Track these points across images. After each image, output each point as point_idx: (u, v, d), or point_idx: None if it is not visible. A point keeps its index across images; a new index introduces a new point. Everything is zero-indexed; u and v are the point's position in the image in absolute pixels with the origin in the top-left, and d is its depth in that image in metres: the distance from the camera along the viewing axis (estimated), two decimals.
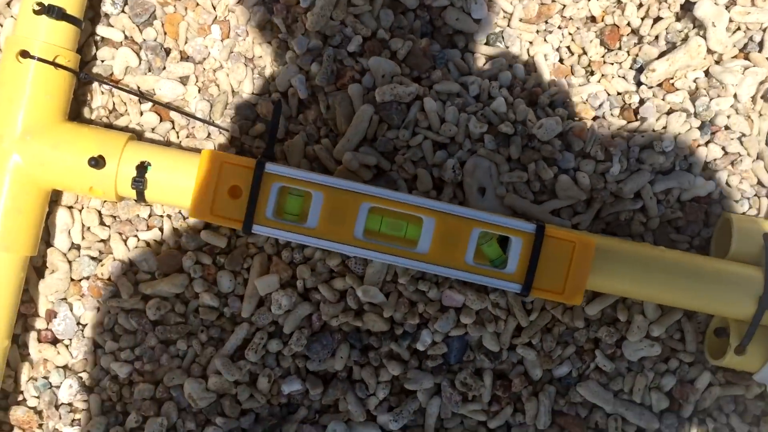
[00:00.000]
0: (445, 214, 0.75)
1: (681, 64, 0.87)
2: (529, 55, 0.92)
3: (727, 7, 0.88)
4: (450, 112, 0.85)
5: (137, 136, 0.86)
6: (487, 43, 0.91)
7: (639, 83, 0.91)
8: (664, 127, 0.88)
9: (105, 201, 0.87)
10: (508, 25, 0.92)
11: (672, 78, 0.89)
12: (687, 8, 0.90)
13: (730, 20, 0.88)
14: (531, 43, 0.93)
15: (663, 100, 0.90)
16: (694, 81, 0.89)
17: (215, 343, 0.88)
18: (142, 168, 0.77)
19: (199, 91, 0.88)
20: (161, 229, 0.87)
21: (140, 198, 0.78)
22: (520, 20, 0.92)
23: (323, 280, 0.87)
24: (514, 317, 0.87)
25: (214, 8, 0.88)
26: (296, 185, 0.75)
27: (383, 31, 0.87)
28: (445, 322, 0.86)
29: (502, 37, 0.92)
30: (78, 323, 0.88)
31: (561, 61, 0.94)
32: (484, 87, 0.87)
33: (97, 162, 0.75)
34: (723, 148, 0.88)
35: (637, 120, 0.89)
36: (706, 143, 0.89)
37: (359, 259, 0.86)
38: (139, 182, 0.76)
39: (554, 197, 0.86)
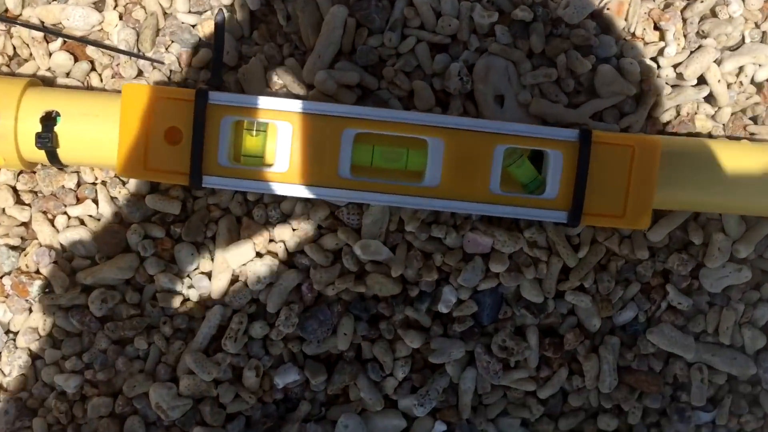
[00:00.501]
0: (456, 130, 0.61)
1: None
2: None
3: None
4: (447, 2, 0.70)
5: (49, 84, 0.72)
6: None
7: None
8: None
9: (19, 173, 0.73)
10: None
11: None
12: None
13: None
14: None
15: None
16: None
17: (183, 336, 0.75)
18: (49, 120, 0.63)
19: (120, 17, 0.73)
20: (95, 201, 0.73)
21: (53, 160, 0.64)
22: None
23: (310, 240, 0.73)
24: (559, 256, 0.73)
25: None
26: (254, 117, 0.61)
27: None
28: (472, 274, 0.72)
29: None
30: (7, 331, 0.75)
31: None
32: None
33: None
34: None
35: None
36: None
37: (352, 207, 0.72)
38: (46, 139, 0.61)
39: (595, 96, 0.71)
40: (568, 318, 0.76)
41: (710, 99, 0.74)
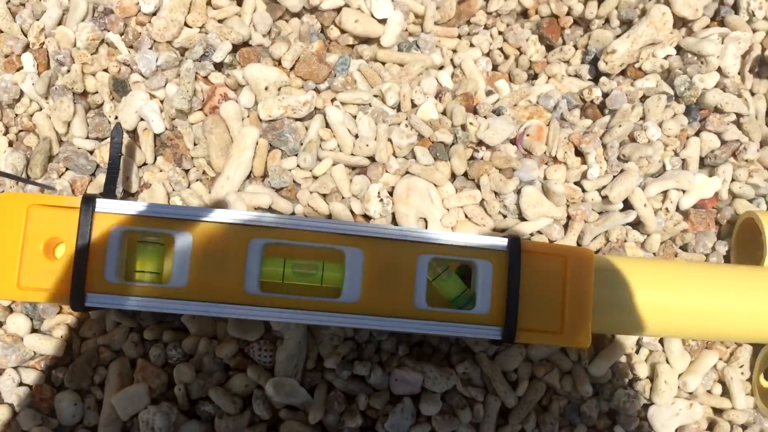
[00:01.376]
0: (376, 239, 0.56)
1: (646, 40, 0.76)
2: (453, 64, 0.80)
3: None
4: (364, 124, 0.69)
5: None
6: (400, 51, 0.79)
7: (597, 76, 0.79)
8: (642, 118, 0.75)
9: None
10: (422, 30, 0.80)
11: (637, 61, 0.78)
12: None
13: None
14: (454, 50, 0.81)
15: (632, 87, 0.78)
16: (666, 59, 0.78)
17: None
18: None
19: (10, 144, 0.69)
20: None
21: None
22: (436, 23, 0.80)
23: (216, 383, 0.66)
24: (495, 395, 0.67)
25: (25, 33, 0.72)
26: (148, 226, 0.55)
27: (260, 36, 0.73)
28: (400, 418, 0.65)
29: (417, 45, 0.79)
30: None
31: (495, 67, 0.82)
32: (405, 94, 0.73)
33: None
34: (719, 136, 0.75)
35: (606, 115, 0.77)
36: (697, 132, 0.76)
37: (265, 344, 0.65)
38: None
39: (522, 219, 0.70)
40: None
41: (639, 227, 0.73)
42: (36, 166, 0.68)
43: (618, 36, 0.78)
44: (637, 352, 0.71)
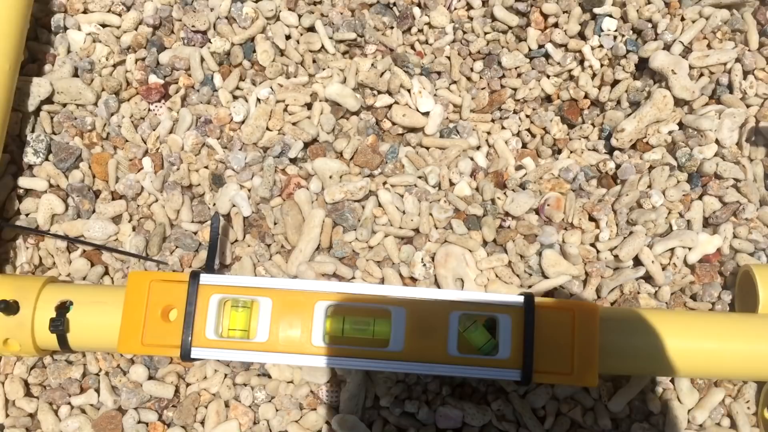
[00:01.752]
0: (416, 300, 0.69)
1: (650, 119, 0.87)
2: (488, 144, 0.93)
3: (683, 56, 0.90)
4: (409, 202, 0.83)
5: None
6: (441, 137, 0.93)
7: (612, 150, 0.91)
8: (649, 186, 0.86)
9: (32, 367, 0.81)
10: (461, 118, 0.94)
11: (645, 137, 0.89)
12: (642, 66, 0.92)
13: (691, 67, 0.89)
14: (488, 133, 0.94)
15: (641, 159, 0.89)
16: (669, 134, 0.88)
17: None
18: (63, 308, 0.72)
19: (133, 229, 0.86)
20: (97, 390, 0.80)
21: (63, 345, 0.72)
22: (472, 111, 0.94)
23: (292, 420, 0.79)
24: (526, 429, 0.78)
25: (144, 141, 0.89)
26: (238, 294, 0.70)
27: (325, 134, 0.88)
28: None
29: (457, 131, 0.93)
30: None
31: (524, 145, 0.94)
32: (444, 175, 0.86)
33: (8, 306, 0.70)
34: (720, 199, 0.85)
35: (617, 185, 0.88)
36: (700, 196, 0.86)
37: (331, 386, 0.79)
38: (58, 323, 0.70)
39: (545, 277, 0.82)
40: None
41: (649, 280, 0.83)
42: (153, 246, 0.84)
43: (627, 116, 0.89)
44: (652, 390, 0.80)
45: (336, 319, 0.71)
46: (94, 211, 0.86)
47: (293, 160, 0.87)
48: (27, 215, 0.86)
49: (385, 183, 0.86)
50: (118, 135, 0.89)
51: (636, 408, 0.80)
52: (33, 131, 0.88)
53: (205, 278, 0.70)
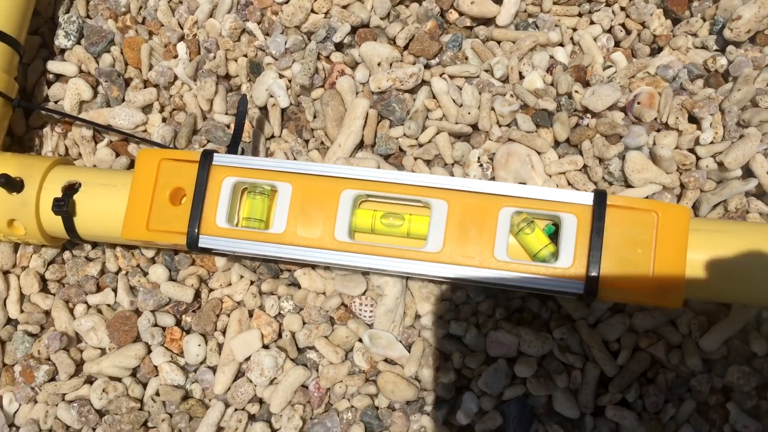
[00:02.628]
0: (460, 192, 0.58)
1: None
2: (573, 42, 0.79)
3: None
4: (468, 93, 0.71)
5: None
6: (517, 29, 0.79)
7: (725, 45, 0.75)
8: None
9: (50, 262, 0.75)
10: (541, 10, 0.80)
11: (767, 28, 0.72)
12: None
13: None
14: (574, 29, 0.80)
15: (761, 53, 0.72)
16: None
17: None
18: (70, 189, 0.65)
19: (164, 120, 0.78)
20: (114, 290, 0.73)
21: (70, 231, 0.65)
22: (556, 3, 0.80)
23: (321, 334, 0.69)
24: (595, 363, 0.65)
25: (181, 26, 0.81)
26: (255, 178, 0.61)
27: (378, 19, 0.77)
28: (494, 378, 0.65)
29: (536, 25, 0.79)
30: (11, 425, 0.73)
31: (617, 43, 0.79)
32: (513, 66, 0.73)
33: (9, 181, 0.63)
34: None
35: (728, 82, 0.72)
36: None
37: (366, 301, 0.68)
38: (62, 203, 0.63)
39: (628, 186, 0.68)
40: None
41: (763, 196, 0.67)
42: (182, 138, 0.76)
43: (746, 1, 0.73)
44: (757, 328, 0.65)
45: (365, 213, 0.61)
46: (123, 100, 0.79)
47: (338, 46, 0.76)
48: (56, 102, 0.80)
49: (442, 74, 0.74)
50: (154, 19, 0.81)
51: (735, 348, 0.65)
52: (67, 12, 0.82)
53: (219, 158, 0.61)
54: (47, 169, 0.66)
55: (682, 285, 0.55)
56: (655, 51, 0.78)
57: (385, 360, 0.67)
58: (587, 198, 0.56)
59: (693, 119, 0.69)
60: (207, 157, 0.61)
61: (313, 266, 0.71)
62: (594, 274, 0.55)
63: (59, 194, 0.65)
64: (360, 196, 0.60)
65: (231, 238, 0.60)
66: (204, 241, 0.60)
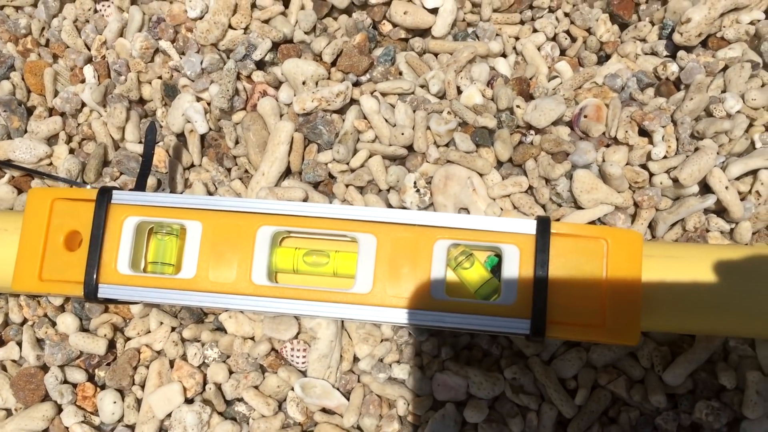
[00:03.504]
0: (390, 225, 0.52)
1: (726, 5, 0.66)
2: (516, 51, 0.74)
3: None
4: (401, 111, 0.65)
5: None
6: (455, 41, 0.74)
7: (675, 51, 0.71)
8: (723, 90, 0.66)
9: None
10: (480, 19, 0.75)
11: (719, 30, 0.69)
12: None
13: None
14: (516, 38, 0.75)
15: (713, 57, 0.68)
16: (752, 24, 0.68)
17: None
18: None
19: (71, 151, 0.71)
20: (19, 344, 0.66)
21: None
22: (496, 10, 0.75)
23: (250, 384, 0.63)
24: (551, 403, 0.60)
25: (88, 47, 0.74)
26: (161, 216, 0.54)
27: (302, 34, 0.71)
28: (443, 425, 0.59)
29: (476, 35, 0.74)
30: None
31: (562, 52, 0.75)
32: (450, 81, 0.68)
33: None
34: None
35: (680, 90, 0.68)
36: None
37: (299, 345, 0.62)
38: None
39: (577, 207, 0.63)
40: None
41: (723, 213, 0.63)
42: (90, 171, 0.69)
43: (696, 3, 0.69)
44: (724, 358, 0.61)
45: (286, 250, 0.55)
46: (26, 131, 0.72)
47: (260, 64, 0.71)
48: None
49: (373, 91, 0.68)
50: (58, 40, 0.74)
51: (702, 381, 0.60)
52: None
53: (118, 196, 0.55)
54: None
55: (638, 319, 0.50)
56: (603, 59, 0.74)
57: (323, 410, 0.61)
58: (529, 226, 0.51)
59: (644, 132, 0.64)
60: (104, 194, 0.54)
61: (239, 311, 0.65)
62: (540, 311, 0.49)
63: None
64: (280, 233, 0.54)
65: (135, 286, 0.53)
66: (104, 291, 0.53)
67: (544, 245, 0.50)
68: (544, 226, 0.51)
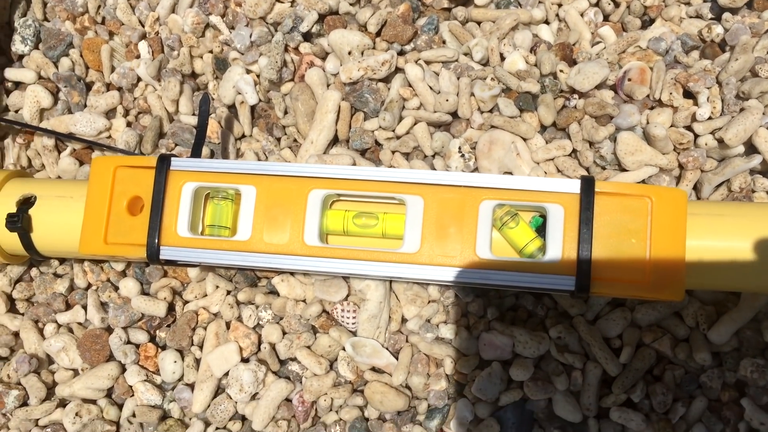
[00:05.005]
0: (436, 186, 0.54)
1: None
2: (559, 18, 0.75)
3: None
4: (445, 78, 0.66)
5: None
6: (497, 9, 0.75)
7: (720, 13, 0.70)
8: None
9: (17, 281, 0.71)
10: None
11: None
12: None
13: None
14: (559, 4, 0.75)
15: (758, 18, 0.68)
16: None
17: None
18: (26, 203, 0.62)
19: (128, 124, 0.74)
20: (84, 307, 0.70)
21: (29, 248, 0.62)
22: None
23: (303, 344, 0.66)
24: (596, 362, 0.61)
25: (142, 24, 0.77)
26: (217, 182, 0.57)
27: (347, 5, 0.72)
28: (489, 383, 0.61)
29: (518, 3, 0.75)
30: None
31: (605, 17, 0.75)
32: (493, 48, 0.69)
33: None
34: None
35: (725, 52, 0.68)
36: None
37: (348, 306, 0.64)
38: (15, 218, 0.59)
39: (622, 170, 0.63)
40: None
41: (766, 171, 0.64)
42: (147, 142, 0.72)
43: None
44: None
45: (336, 213, 0.57)
46: (85, 105, 0.75)
47: (306, 36, 0.72)
48: (17, 111, 0.77)
49: (417, 60, 0.69)
50: (113, 18, 0.77)
51: (747, 339, 0.60)
52: (23, 16, 0.79)
53: (177, 163, 0.57)
54: (1, 183, 0.63)
55: (682, 275, 0.51)
56: (647, 23, 0.74)
57: (372, 369, 0.64)
58: (574, 186, 0.52)
59: (689, 94, 0.64)
60: (164, 162, 0.57)
61: (292, 272, 0.67)
62: (584, 268, 0.51)
63: (14, 209, 0.62)
64: (330, 196, 0.56)
65: (194, 248, 0.56)
66: (165, 253, 0.56)
67: (589, 203, 0.51)
68: (588, 185, 0.52)
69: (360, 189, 0.55)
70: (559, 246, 0.52)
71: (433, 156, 0.66)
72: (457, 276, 0.53)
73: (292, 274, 0.66)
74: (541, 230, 0.55)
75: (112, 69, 0.76)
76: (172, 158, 0.57)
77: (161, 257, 0.56)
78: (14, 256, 0.66)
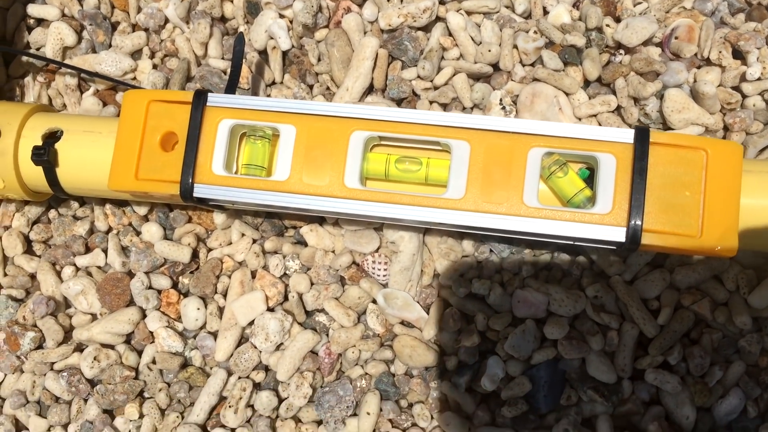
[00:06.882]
0: (484, 132, 0.52)
1: None
2: None
3: None
4: (488, 29, 0.65)
5: None
6: None
7: None
8: None
9: (35, 222, 0.69)
10: None
11: None
12: None
13: None
14: None
15: None
16: None
17: (181, 408, 0.65)
18: (52, 137, 0.59)
19: (154, 66, 0.72)
20: (105, 251, 0.68)
21: (53, 184, 0.60)
22: None
23: (331, 296, 0.64)
24: (633, 323, 0.60)
25: None
26: (255, 120, 0.55)
27: None
28: (522, 340, 0.60)
29: None
30: None
31: None
32: (536, 1, 0.67)
33: None
34: None
35: None
36: None
37: (380, 258, 0.63)
38: (42, 151, 0.57)
39: (666, 128, 0.62)
40: (652, 407, 0.60)
41: None
42: (174, 85, 0.70)
43: None
44: None
45: (378, 156, 0.55)
46: (110, 45, 0.73)
47: None
48: (38, 49, 0.74)
49: (458, 9, 0.67)
50: None
51: None
52: None
53: (214, 99, 0.55)
54: (26, 115, 0.60)
55: (735, 231, 0.49)
56: None
57: (402, 323, 0.62)
58: (627, 135, 0.50)
59: (737, 54, 0.63)
60: (200, 97, 0.55)
61: (321, 222, 0.65)
62: (637, 220, 0.49)
63: (39, 143, 0.60)
64: (372, 138, 0.54)
65: (229, 186, 0.54)
66: (199, 190, 0.54)
67: (643, 153, 0.50)
68: (643, 134, 0.50)
69: (404, 132, 0.53)
70: (610, 197, 0.50)
71: (472, 108, 0.64)
72: (504, 224, 0.51)
73: (321, 224, 0.65)
74: (588, 183, 0.53)
75: (138, 9, 0.73)
76: (209, 94, 0.55)
77: (195, 195, 0.54)
78: (37, 193, 0.64)
